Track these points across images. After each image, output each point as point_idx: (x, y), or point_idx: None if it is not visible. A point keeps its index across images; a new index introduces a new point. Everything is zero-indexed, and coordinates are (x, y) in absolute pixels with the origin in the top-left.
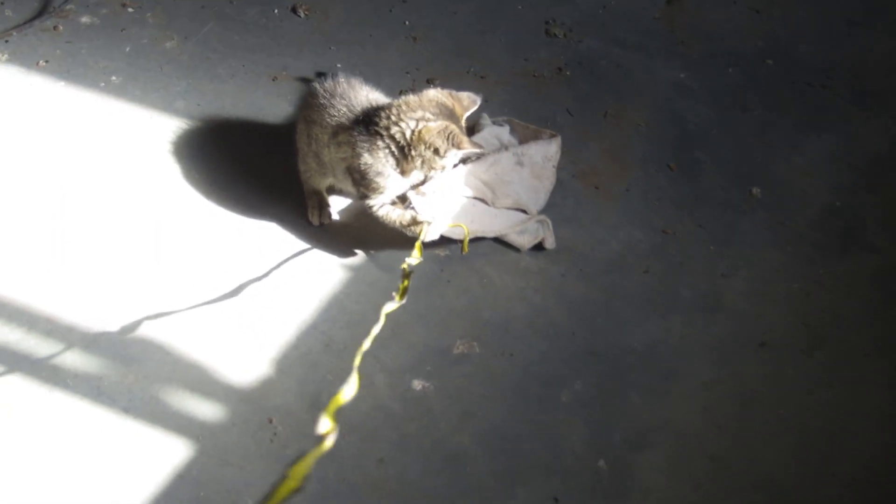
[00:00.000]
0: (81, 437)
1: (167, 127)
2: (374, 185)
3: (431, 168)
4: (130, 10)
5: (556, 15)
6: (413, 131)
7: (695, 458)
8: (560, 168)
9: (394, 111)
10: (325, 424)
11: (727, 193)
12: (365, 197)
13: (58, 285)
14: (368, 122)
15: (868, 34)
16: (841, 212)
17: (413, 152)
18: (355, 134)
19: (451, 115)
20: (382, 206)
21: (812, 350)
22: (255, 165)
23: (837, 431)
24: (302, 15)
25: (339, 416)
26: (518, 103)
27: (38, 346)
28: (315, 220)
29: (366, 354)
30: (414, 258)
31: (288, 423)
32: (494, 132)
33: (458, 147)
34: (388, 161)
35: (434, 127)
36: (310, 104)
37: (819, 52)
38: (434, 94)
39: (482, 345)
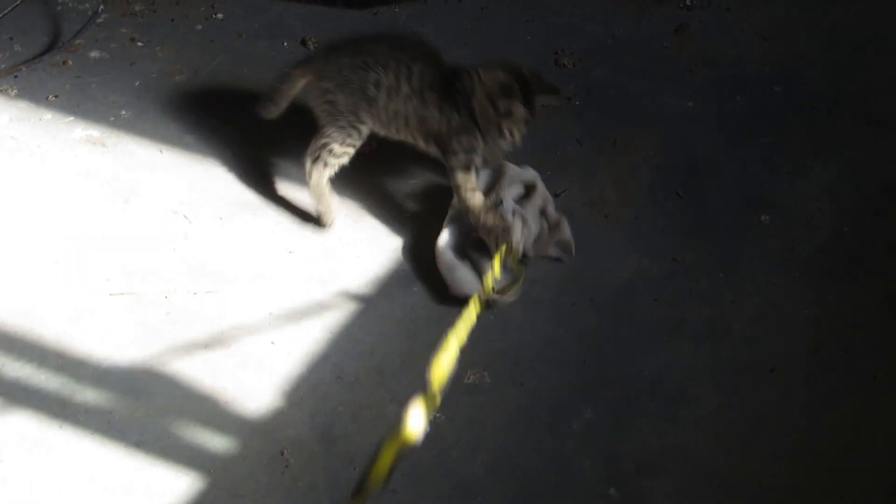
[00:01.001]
0: (92, 472)
1: (177, 161)
2: (456, 152)
3: (493, 127)
4: (140, 44)
5: (565, 45)
6: (476, 81)
7: (705, 483)
8: (569, 197)
9: (473, 73)
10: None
11: (736, 220)
12: (451, 171)
13: (67, 320)
14: (450, 84)
15: (874, 60)
16: (849, 237)
17: (475, 103)
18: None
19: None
20: (471, 189)
21: (821, 374)
22: (264, 198)
23: (847, 455)
24: (311, 47)
25: (350, 445)
26: (528, 134)
27: (49, 380)
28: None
29: (376, 385)
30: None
31: (300, 456)
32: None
33: (510, 97)
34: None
35: (491, 74)
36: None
37: (826, 78)
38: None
39: (493, 374)
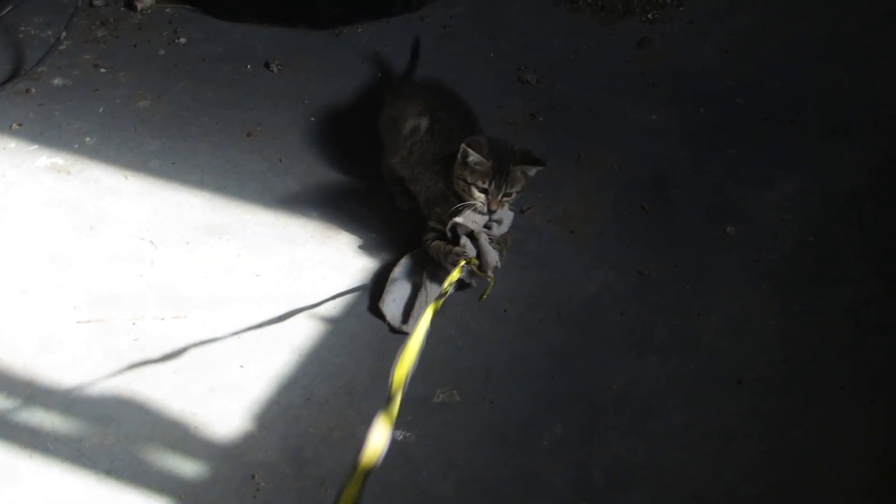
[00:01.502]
0: (63, 500)
1: (142, 187)
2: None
3: (460, 179)
4: (103, 70)
5: (528, 62)
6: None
7: (676, 496)
8: (535, 213)
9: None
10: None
11: (701, 232)
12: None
13: (36, 348)
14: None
15: (835, 69)
16: (814, 246)
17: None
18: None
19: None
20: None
21: (789, 385)
22: (230, 222)
23: (817, 465)
24: (275, 70)
25: (321, 468)
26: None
27: (18, 409)
28: (403, 204)
29: (346, 406)
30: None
31: (271, 479)
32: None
33: (465, 157)
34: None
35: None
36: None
37: (788, 88)
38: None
39: (462, 392)
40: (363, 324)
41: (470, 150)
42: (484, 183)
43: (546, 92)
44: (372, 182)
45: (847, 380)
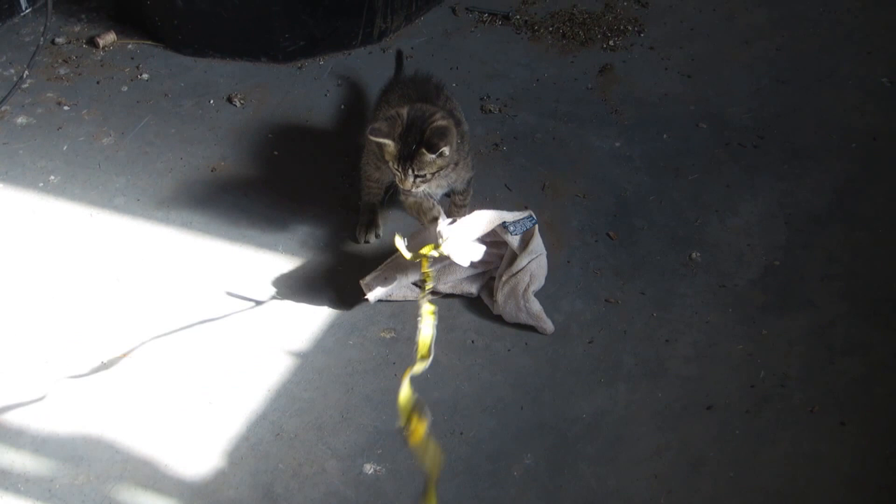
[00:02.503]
0: None
1: (107, 224)
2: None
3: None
4: (66, 108)
5: (490, 91)
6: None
7: None
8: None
9: None
10: None
11: (667, 259)
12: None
13: (4, 389)
14: None
15: (796, 93)
16: (779, 270)
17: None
18: None
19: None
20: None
21: (758, 410)
22: (196, 258)
23: (788, 489)
24: (238, 104)
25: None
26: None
27: None
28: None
29: (316, 440)
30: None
31: None
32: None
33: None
34: None
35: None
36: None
37: (750, 113)
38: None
39: (431, 425)
40: (331, 358)
41: (370, 137)
42: (395, 165)
43: (509, 121)
44: (339, 213)
45: (816, 403)
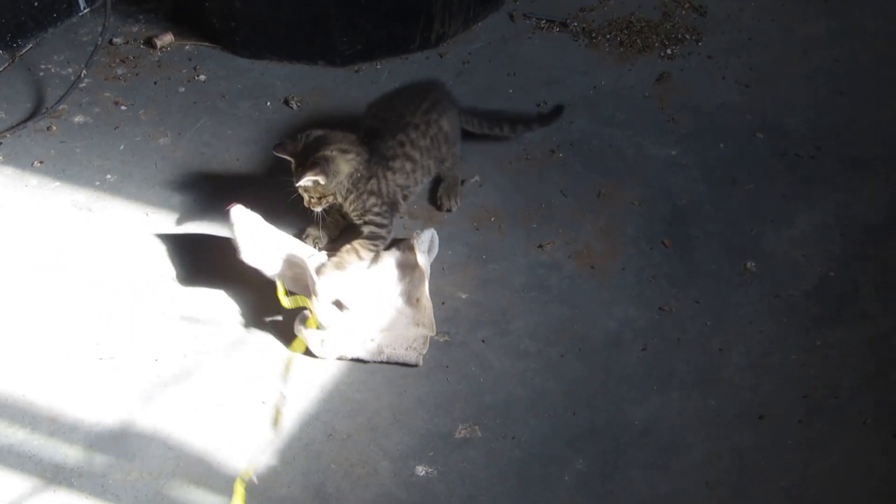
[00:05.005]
0: None
1: (164, 224)
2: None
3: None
4: (123, 107)
5: (547, 97)
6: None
7: None
8: (555, 249)
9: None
10: None
11: (721, 268)
12: None
13: (59, 385)
14: None
15: (854, 104)
16: (834, 282)
17: None
18: None
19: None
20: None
21: (810, 420)
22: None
23: (838, 501)
24: (294, 107)
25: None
26: (512, 186)
27: (42, 446)
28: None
29: (368, 441)
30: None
31: None
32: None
33: None
34: None
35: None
36: None
37: (807, 123)
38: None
39: (484, 429)
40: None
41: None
42: (294, 179)
43: (565, 128)
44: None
45: (868, 415)
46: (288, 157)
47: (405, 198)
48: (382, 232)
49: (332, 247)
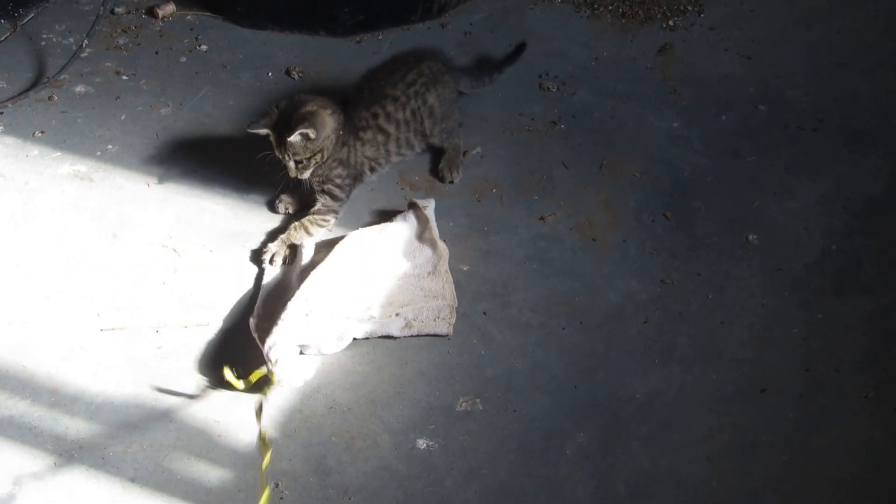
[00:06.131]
0: None
1: (165, 194)
2: None
3: None
4: (125, 77)
5: (549, 69)
6: None
7: None
8: (557, 221)
9: None
10: None
11: (723, 241)
12: None
13: (59, 356)
14: None
15: (856, 76)
16: (836, 255)
17: None
18: None
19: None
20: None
21: (812, 394)
22: (253, 230)
23: (840, 475)
24: (296, 77)
25: (344, 476)
26: (513, 158)
27: (43, 417)
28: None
29: (369, 414)
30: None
31: (294, 487)
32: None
33: None
34: None
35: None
36: None
37: (809, 95)
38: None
39: (485, 401)
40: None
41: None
42: (277, 153)
43: (567, 99)
44: (395, 188)
45: (870, 389)
46: (265, 131)
47: (372, 170)
48: (335, 206)
49: (303, 214)
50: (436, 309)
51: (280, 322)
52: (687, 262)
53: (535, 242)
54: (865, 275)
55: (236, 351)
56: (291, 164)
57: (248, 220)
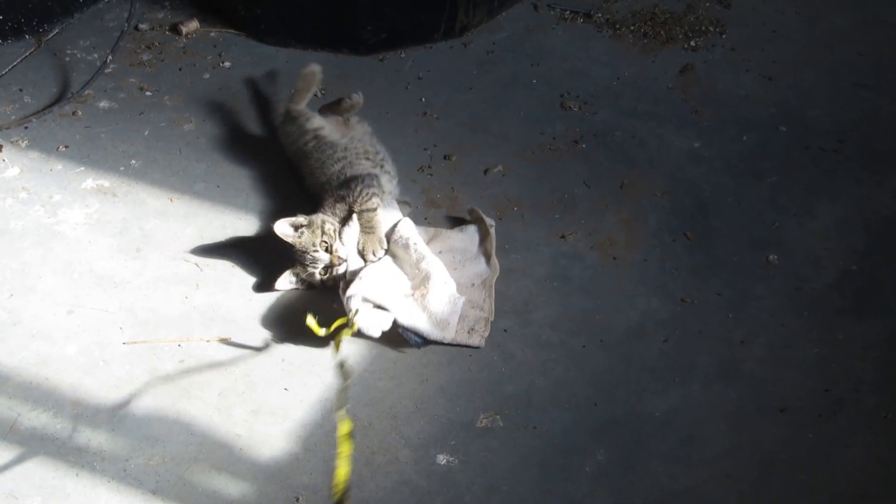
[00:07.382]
0: None
1: (188, 209)
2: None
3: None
4: (148, 93)
5: (570, 88)
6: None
7: None
8: (577, 239)
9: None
10: None
11: (743, 260)
12: None
13: (82, 369)
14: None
15: (876, 97)
16: (856, 275)
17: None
18: None
19: None
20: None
21: (831, 414)
22: (273, 247)
23: (859, 494)
24: (318, 94)
25: (364, 491)
26: (535, 176)
27: (65, 429)
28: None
29: (390, 429)
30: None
31: (315, 501)
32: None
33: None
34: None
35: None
36: None
37: (830, 116)
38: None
39: (505, 418)
40: (405, 348)
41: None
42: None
43: (588, 118)
44: (420, 202)
45: (889, 409)
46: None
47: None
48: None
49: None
50: (472, 319)
51: (359, 279)
52: (707, 281)
53: (556, 261)
54: (885, 295)
55: (257, 369)
56: (326, 255)
57: (271, 235)
